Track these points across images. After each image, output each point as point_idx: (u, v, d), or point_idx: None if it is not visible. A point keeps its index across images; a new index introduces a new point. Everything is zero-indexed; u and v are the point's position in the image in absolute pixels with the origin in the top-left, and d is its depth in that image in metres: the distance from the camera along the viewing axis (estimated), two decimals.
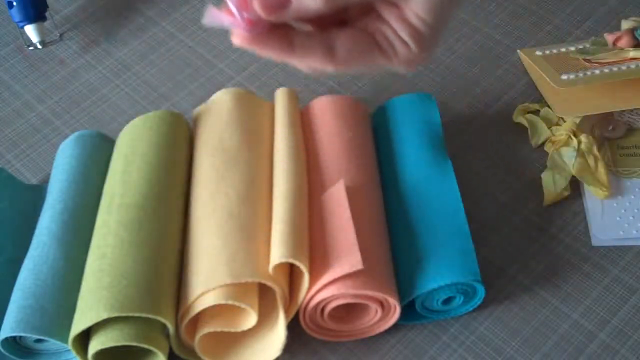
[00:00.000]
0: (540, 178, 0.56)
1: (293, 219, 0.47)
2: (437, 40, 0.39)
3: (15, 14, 0.65)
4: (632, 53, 0.57)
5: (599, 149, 0.56)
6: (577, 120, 0.58)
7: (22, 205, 0.55)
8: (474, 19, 0.68)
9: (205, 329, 0.46)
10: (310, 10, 0.36)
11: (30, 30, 0.66)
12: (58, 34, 0.68)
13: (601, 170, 0.55)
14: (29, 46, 0.67)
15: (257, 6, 0.35)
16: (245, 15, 0.35)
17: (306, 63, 0.38)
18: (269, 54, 0.37)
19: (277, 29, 0.37)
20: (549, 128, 0.58)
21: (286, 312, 0.46)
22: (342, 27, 0.39)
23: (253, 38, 0.36)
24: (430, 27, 0.38)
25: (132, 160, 0.52)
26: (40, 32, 0.66)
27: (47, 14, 0.67)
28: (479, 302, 0.49)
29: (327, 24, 0.38)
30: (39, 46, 0.67)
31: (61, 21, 0.70)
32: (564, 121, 0.58)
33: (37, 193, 0.56)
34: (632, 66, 0.57)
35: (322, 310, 0.47)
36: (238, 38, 0.36)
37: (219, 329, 0.46)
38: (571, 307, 0.50)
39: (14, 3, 0.65)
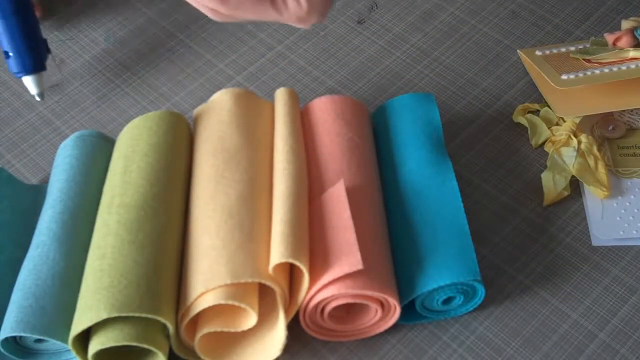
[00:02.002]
0: (540, 178, 0.56)
1: (293, 219, 0.47)
2: (328, 1, 0.42)
3: (12, 64, 0.59)
4: (632, 53, 0.58)
5: (599, 149, 0.56)
6: (577, 120, 0.58)
7: (22, 205, 0.55)
8: (474, 19, 0.68)
9: (205, 329, 0.46)
10: None
11: (29, 82, 0.60)
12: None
13: (601, 170, 0.55)
14: (35, 95, 0.61)
15: None
16: None
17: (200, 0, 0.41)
18: None
19: None
20: (549, 128, 0.58)
21: (286, 312, 0.46)
22: None
23: None
24: None
25: (132, 160, 0.52)
26: (40, 84, 0.60)
27: (50, 57, 0.61)
28: (479, 302, 0.49)
29: None
30: (38, 98, 0.61)
31: (60, 21, 0.70)
32: (564, 121, 0.58)
33: (37, 193, 0.56)
34: (632, 66, 0.57)
35: (322, 310, 0.47)
36: None
37: (219, 329, 0.46)
38: (571, 307, 0.50)
39: (10, 54, 0.58)
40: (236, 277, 0.45)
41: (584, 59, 0.59)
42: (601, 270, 0.52)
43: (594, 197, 0.55)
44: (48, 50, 0.61)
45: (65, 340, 0.45)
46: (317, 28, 0.68)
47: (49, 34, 0.69)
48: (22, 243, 0.52)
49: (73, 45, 0.68)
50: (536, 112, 0.60)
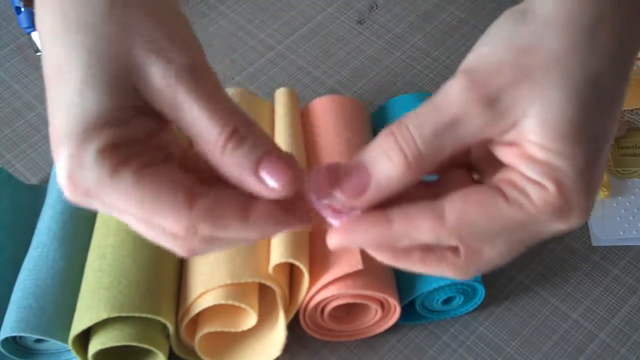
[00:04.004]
0: None
1: None
2: (591, 176, 0.30)
3: (23, 20, 0.64)
4: None
5: None
6: None
7: (22, 205, 0.55)
8: (474, 19, 0.68)
9: (205, 329, 0.46)
10: (394, 182, 0.29)
11: (37, 38, 0.65)
12: None
13: None
14: (36, 52, 0.66)
15: (346, 193, 0.29)
16: (327, 203, 0.30)
17: (412, 236, 0.30)
18: (370, 241, 0.31)
19: (370, 209, 0.30)
20: None
21: (286, 312, 0.46)
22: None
23: (349, 229, 0.31)
24: (564, 156, 0.28)
25: None
26: None
27: None
28: (479, 302, 0.49)
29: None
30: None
31: None
32: None
33: (37, 193, 0.56)
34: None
35: (322, 310, 0.47)
36: (335, 238, 0.31)
37: (219, 329, 0.46)
38: (571, 307, 0.50)
39: (22, 9, 0.64)
40: (236, 277, 0.45)
41: None
42: (601, 270, 0.52)
43: None
44: None
45: (65, 340, 0.45)
46: (317, 28, 0.68)
47: None
48: (22, 243, 0.52)
49: None
50: None
